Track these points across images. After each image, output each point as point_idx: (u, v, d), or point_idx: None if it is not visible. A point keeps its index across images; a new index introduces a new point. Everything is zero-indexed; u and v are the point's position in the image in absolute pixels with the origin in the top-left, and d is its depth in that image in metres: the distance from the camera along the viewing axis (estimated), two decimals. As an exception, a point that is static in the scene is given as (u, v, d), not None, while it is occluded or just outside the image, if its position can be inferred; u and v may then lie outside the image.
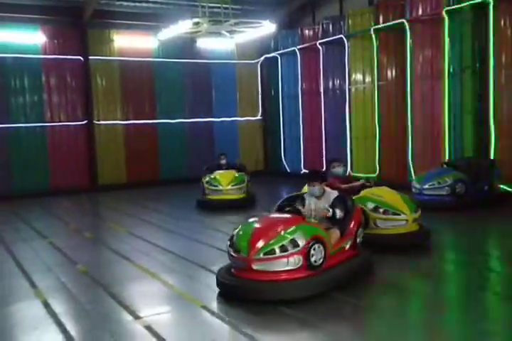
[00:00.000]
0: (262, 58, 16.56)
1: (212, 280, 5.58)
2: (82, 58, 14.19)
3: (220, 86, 16.27)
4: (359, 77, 13.25)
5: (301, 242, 4.96)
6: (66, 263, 6.84)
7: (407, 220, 6.77)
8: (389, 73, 12.51)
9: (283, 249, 4.94)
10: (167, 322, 4.69)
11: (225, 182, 10.65)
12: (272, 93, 16.64)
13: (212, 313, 4.77)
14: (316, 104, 14.69)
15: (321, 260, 5.10)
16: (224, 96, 16.34)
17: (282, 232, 5.05)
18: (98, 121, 14.58)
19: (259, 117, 17.06)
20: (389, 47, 12.39)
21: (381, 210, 6.76)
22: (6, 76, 13.40)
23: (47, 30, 13.85)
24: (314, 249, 5.01)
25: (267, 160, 17.11)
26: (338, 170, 7.57)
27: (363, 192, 7.09)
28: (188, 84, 15.74)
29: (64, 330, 4.46)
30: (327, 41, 13.88)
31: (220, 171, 11.10)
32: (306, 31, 14.82)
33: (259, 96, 16.99)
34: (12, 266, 6.67)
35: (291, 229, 5.08)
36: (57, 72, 14.06)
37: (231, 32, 11.69)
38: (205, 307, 4.91)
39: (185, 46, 15.26)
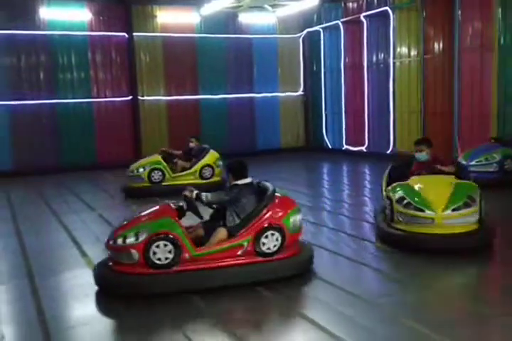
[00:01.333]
0: (304, 32, 16.32)
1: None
2: (126, 35, 14.37)
3: (261, 61, 16.19)
4: (404, 50, 12.92)
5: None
6: (114, 235, 7.11)
7: (433, 219, 5.62)
8: (436, 46, 12.15)
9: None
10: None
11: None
12: (314, 68, 16.45)
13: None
14: (358, 78, 14.45)
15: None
16: (265, 71, 16.27)
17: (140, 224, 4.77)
18: (142, 96, 14.83)
19: (300, 92, 16.93)
20: (436, 19, 11.99)
21: (404, 202, 5.82)
22: (53, 53, 13.74)
23: (92, 6, 14.05)
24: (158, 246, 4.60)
25: (308, 136, 17.04)
26: (420, 155, 6.48)
27: (412, 179, 6.21)
28: (229, 59, 15.75)
29: (112, 298, 4.67)
30: (371, 14, 13.55)
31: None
32: (350, 4, 14.48)
33: (301, 71, 16.82)
34: (64, 237, 7.00)
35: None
36: (103, 49, 14.32)
37: (273, 6, 11.58)
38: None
39: (227, 21, 15.24)
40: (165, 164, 9.97)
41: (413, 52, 12.70)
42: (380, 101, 13.79)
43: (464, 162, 9.47)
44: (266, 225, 4.88)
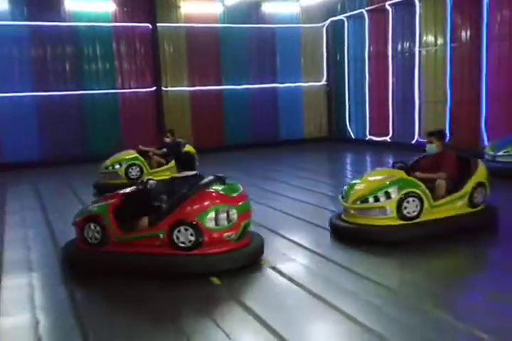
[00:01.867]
0: (328, 21, 16.17)
1: (283, 243, 5.82)
2: (150, 25, 14.43)
3: (284, 51, 16.12)
4: (430, 39, 12.72)
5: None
6: (141, 224, 7.21)
7: (346, 208, 5.99)
8: (463, 34, 11.92)
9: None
10: (238, 280, 4.88)
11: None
12: (338, 57, 16.31)
13: (281, 274, 4.94)
14: (383, 68, 14.29)
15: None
16: (288, 61, 16.21)
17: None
18: (166, 87, 14.91)
19: (323, 82, 16.83)
20: (464, 7, 11.75)
21: (342, 193, 6.24)
22: (79, 44, 13.88)
23: (117, -3, 14.15)
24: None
25: (331, 126, 16.95)
26: (430, 147, 6.28)
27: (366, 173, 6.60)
28: (252, 49, 15.71)
29: (147, 283, 4.79)
30: (397, 2, 13.34)
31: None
32: (375, -9, 14.29)
33: (324, 60, 16.70)
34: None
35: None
36: (127, 40, 14.41)
37: (298, -5, 11.47)
38: (273, 268, 5.10)
39: (250, 11, 15.20)
40: (143, 159, 9.73)
41: (439, 41, 12.49)
42: (404, 90, 13.63)
43: (491, 152, 9.37)
44: (179, 219, 4.85)
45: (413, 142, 13.38)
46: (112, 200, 5.28)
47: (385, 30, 13.97)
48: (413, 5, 12.82)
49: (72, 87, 13.92)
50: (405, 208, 5.69)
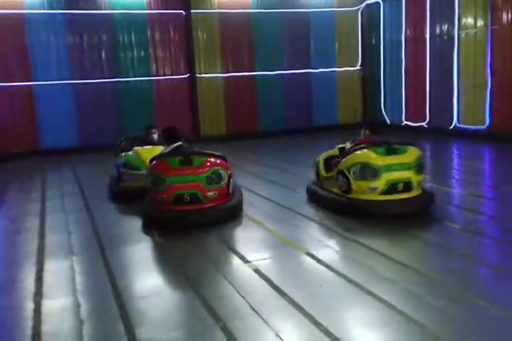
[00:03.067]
0: (363, 5, 15.84)
1: (316, 229, 5.81)
2: (183, 12, 14.42)
3: (318, 36, 15.88)
4: (470, 21, 12.30)
5: None
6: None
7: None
8: (504, 16, 11.49)
9: None
10: (273, 266, 4.91)
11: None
12: (373, 41, 15.98)
13: (318, 260, 4.93)
14: (420, 51, 13.93)
15: None
16: (322, 46, 15.97)
17: None
18: (200, 74, 14.93)
19: (358, 67, 16.54)
20: (506, -13, 11.33)
21: None
22: (114, 32, 14.00)
23: (151, -15, 14.17)
24: None
25: (366, 111, 16.69)
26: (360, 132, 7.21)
27: None
28: (286, 34, 15.54)
29: (180, 269, 4.85)
30: (435, -17, 12.96)
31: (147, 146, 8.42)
32: (413, -27, 13.89)
33: (359, 45, 16.39)
34: (131, 210, 7.21)
35: None
36: (161, 27, 14.44)
37: (334, -22, 11.25)
38: (309, 255, 5.09)
39: (284, -5, 15.00)
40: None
41: (480, 23, 12.07)
42: (442, 74, 13.26)
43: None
44: None
45: (451, 127, 13.06)
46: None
47: (422, 12, 13.59)
48: (452, -14, 12.42)
49: (108, 74, 14.09)
50: None
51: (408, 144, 6.59)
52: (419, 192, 6.41)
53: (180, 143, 6.52)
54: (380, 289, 4.19)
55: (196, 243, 5.67)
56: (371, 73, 16.20)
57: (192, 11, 14.44)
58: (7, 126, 13.27)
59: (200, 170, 6.22)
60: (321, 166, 7.36)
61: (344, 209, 6.43)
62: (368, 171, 6.22)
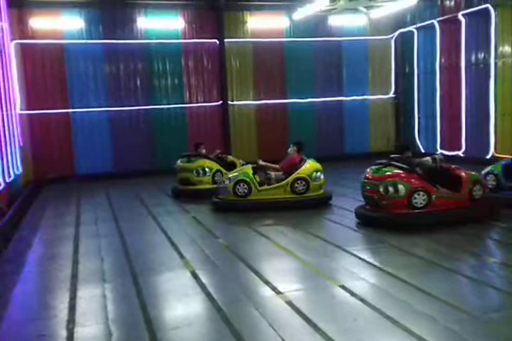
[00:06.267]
0: (397, 33, 15.88)
1: (350, 260, 5.67)
2: (217, 41, 14.72)
3: (351, 64, 15.97)
4: (507, 49, 12.16)
5: None
6: (208, 237, 7.28)
7: None
8: (543, 44, 11.33)
9: None
10: (306, 299, 4.79)
11: None
12: (407, 69, 15.94)
13: (351, 293, 4.79)
14: (455, 79, 13.80)
15: None
16: (355, 74, 16.03)
17: None
18: (232, 101, 15.11)
19: (391, 95, 16.48)
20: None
21: None
22: (149, 61, 14.37)
23: (186, 15, 14.54)
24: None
25: (399, 140, 16.52)
26: (290, 149, 9.49)
27: None
28: (318, 62, 15.66)
29: (212, 299, 4.78)
30: (470, 12, 12.89)
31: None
32: (447, 2, 13.87)
33: (392, 73, 16.37)
34: (162, 237, 7.26)
35: None
36: (195, 56, 14.77)
37: (368, 7, 11.32)
38: (343, 287, 4.96)
39: (317, 24, 15.20)
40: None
41: (517, 52, 11.93)
42: (479, 102, 13.08)
43: None
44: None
45: (488, 157, 12.78)
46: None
47: (457, 40, 13.52)
48: (488, 14, 12.34)
49: (142, 101, 14.40)
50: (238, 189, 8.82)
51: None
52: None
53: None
54: (417, 326, 4.02)
55: (227, 271, 5.61)
56: (405, 101, 16.10)
57: (225, 40, 14.73)
58: (44, 152, 13.63)
59: (381, 179, 7.17)
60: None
61: None
62: None
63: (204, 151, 10.93)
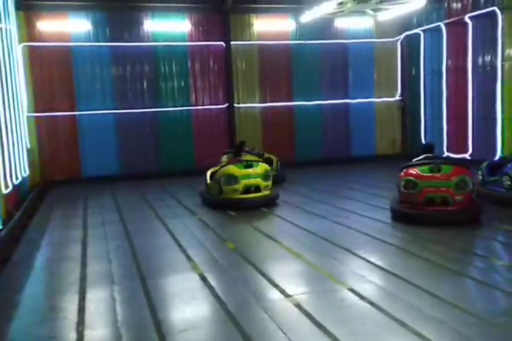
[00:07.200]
0: (403, 35, 15.86)
1: (359, 263, 5.67)
2: (223, 43, 14.74)
3: (357, 66, 15.96)
4: (514, 51, 12.12)
5: None
6: (215, 240, 7.29)
7: None
8: (550, 47, 11.28)
9: None
10: (315, 302, 4.78)
11: None
12: (413, 72, 15.91)
13: (360, 297, 4.78)
14: (462, 82, 13.75)
15: None
16: (361, 76, 16.02)
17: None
18: (238, 103, 15.12)
19: (397, 97, 16.46)
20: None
21: None
22: (156, 63, 14.39)
23: (193, 18, 14.57)
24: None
25: (405, 142, 16.50)
26: None
27: None
28: (324, 65, 15.66)
29: (221, 302, 4.78)
30: (477, 14, 12.86)
31: None
32: (454, 4, 13.83)
33: (398, 75, 16.35)
34: (169, 240, 7.27)
35: None
36: (201, 58, 14.79)
37: (375, 10, 11.31)
38: (352, 290, 4.95)
39: (323, 27, 15.18)
40: None
41: (524, 54, 11.89)
42: (485, 105, 13.03)
43: None
44: None
45: (495, 159, 12.71)
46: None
47: (464, 43, 13.48)
48: (495, 16, 12.30)
49: (149, 104, 14.43)
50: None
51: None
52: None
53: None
54: (426, 329, 4.01)
55: (236, 274, 5.62)
56: (411, 104, 16.07)
57: (232, 42, 14.75)
58: (51, 154, 13.68)
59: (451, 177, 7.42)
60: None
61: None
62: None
63: (247, 149, 11.58)
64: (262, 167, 9.63)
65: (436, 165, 7.58)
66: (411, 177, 7.60)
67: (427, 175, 7.53)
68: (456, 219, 7.31)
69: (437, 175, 7.49)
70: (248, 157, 10.98)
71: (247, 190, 9.27)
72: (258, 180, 9.35)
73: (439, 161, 7.78)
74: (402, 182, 7.68)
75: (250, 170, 9.41)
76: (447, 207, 7.39)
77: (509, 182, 8.78)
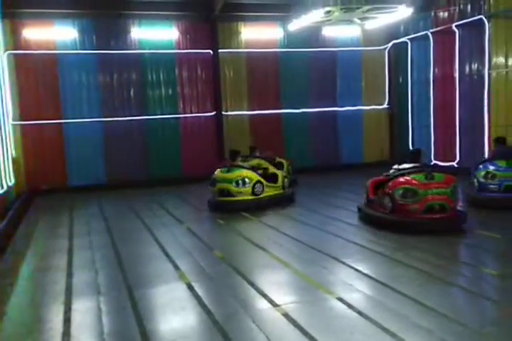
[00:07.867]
0: (390, 44, 15.99)
1: (347, 272, 5.64)
2: (211, 51, 14.74)
3: (345, 74, 16.05)
4: (501, 60, 12.21)
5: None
6: (203, 249, 7.22)
7: None
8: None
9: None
10: (303, 311, 4.74)
11: None
12: (400, 80, 16.03)
13: (349, 306, 4.75)
14: (449, 90, 13.85)
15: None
16: (349, 84, 16.11)
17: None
18: (226, 111, 15.11)
19: (385, 106, 16.56)
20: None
21: None
22: (144, 71, 14.34)
23: (180, 25, 14.56)
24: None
25: (393, 150, 16.57)
26: None
27: None
28: (312, 73, 15.72)
29: (208, 312, 4.72)
30: (464, 23, 12.99)
31: None
32: (441, 13, 13.96)
33: (386, 83, 16.46)
34: (156, 249, 7.19)
35: None
36: (189, 66, 14.76)
37: (362, 19, 11.38)
38: (340, 299, 4.91)
39: (311, 35, 15.24)
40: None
41: (511, 63, 12.01)
42: (473, 113, 13.11)
43: None
44: None
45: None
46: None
47: (451, 51, 13.59)
48: (482, 25, 12.43)
49: (136, 112, 14.36)
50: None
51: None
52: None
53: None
54: (414, 339, 3.98)
55: (224, 283, 5.56)
56: (399, 112, 16.17)
57: (220, 50, 14.76)
58: (37, 163, 13.51)
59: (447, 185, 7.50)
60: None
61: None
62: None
63: (258, 154, 12.16)
64: (238, 172, 9.99)
65: (429, 173, 7.59)
66: (409, 186, 7.53)
67: (426, 183, 7.50)
68: (452, 226, 7.46)
69: (435, 183, 7.51)
70: (257, 161, 11.45)
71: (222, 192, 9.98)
72: (231, 186, 9.85)
73: (428, 169, 7.79)
74: (400, 192, 7.56)
75: (227, 175, 9.99)
76: (443, 214, 7.45)
77: (477, 183, 9.30)
